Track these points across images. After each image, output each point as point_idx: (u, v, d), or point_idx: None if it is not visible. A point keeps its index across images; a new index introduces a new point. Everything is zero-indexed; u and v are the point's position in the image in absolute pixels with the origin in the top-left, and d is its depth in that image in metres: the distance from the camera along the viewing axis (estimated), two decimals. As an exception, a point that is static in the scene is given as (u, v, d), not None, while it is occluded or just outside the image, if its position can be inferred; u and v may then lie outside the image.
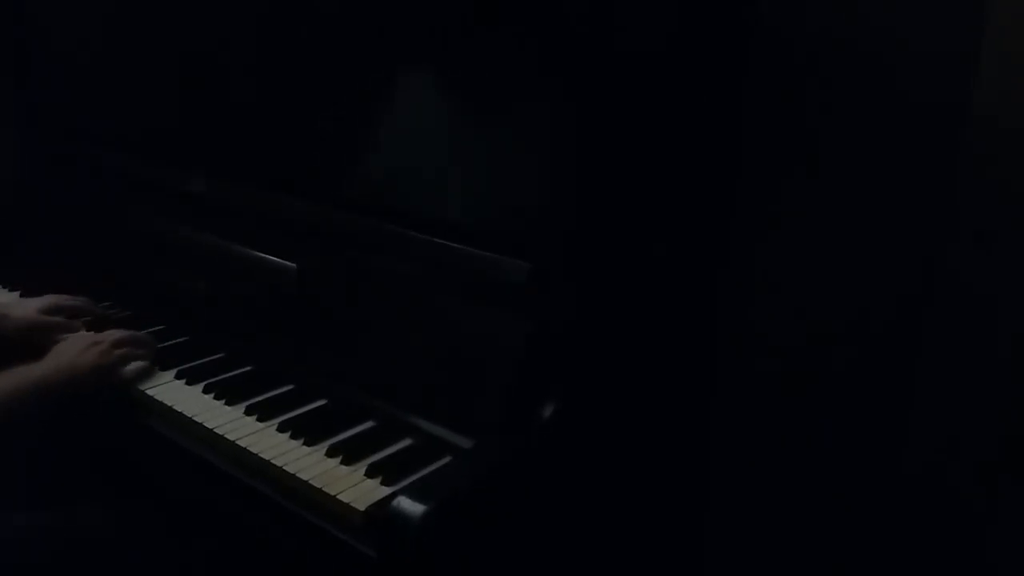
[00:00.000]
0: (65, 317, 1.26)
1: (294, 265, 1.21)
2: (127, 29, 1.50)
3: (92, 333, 1.17)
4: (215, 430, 1.05)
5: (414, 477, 0.96)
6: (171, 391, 1.13)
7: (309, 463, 0.99)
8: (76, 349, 1.12)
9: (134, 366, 1.15)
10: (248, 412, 1.08)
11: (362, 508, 0.91)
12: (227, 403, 1.10)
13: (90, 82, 1.60)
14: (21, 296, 1.41)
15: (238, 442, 1.02)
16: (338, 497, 0.93)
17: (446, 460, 1.00)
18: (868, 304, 1.25)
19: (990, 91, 1.09)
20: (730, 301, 1.34)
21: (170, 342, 1.25)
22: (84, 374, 1.10)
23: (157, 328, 1.29)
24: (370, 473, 0.96)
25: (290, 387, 1.14)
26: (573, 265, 1.05)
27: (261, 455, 1.00)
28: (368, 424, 1.07)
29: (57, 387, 1.09)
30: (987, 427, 1.17)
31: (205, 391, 1.12)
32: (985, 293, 1.15)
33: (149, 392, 1.13)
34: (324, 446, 1.01)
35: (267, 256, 1.24)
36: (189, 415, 1.08)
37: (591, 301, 1.07)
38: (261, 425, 1.06)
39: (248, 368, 1.19)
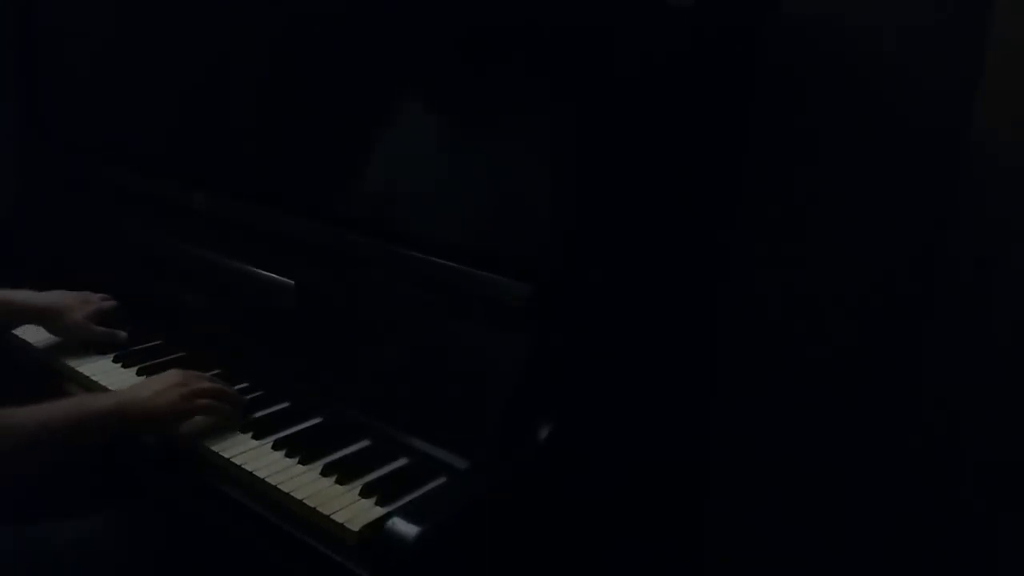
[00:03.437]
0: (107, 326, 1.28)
1: (293, 282, 1.21)
2: (131, 44, 1.50)
3: (181, 371, 1.11)
4: (210, 447, 1.04)
5: (409, 497, 0.95)
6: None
7: (304, 482, 0.98)
8: (158, 387, 1.07)
9: (206, 420, 1.08)
10: (244, 429, 1.08)
11: (356, 528, 0.90)
12: (223, 420, 1.10)
13: (93, 96, 1.60)
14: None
15: (233, 460, 1.02)
16: (332, 517, 0.92)
17: (441, 481, 0.99)
18: (869, 309, 1.25)
19: (993, 99, 1.10)
20: (730, 315, 1.34)
21: (167, 357, 1.25)
22: (159, 414, 1.04)
23: (154, 343, 1.29)
24: (365, 493, 0.96)
25: (286, 404, 1.14)
26: (573, 287, 1.04)
27: (255, 473, 1.00)
28: (364, 443, 1.07)
29: (129, 420, 1.03)
30: (988, 428, 1.17)
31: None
32: (985, 294, 1.15)
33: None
34: (319, 465, 1.01)
35: (266, 273, 1.24)
36: (184, 431, 1.07)
37: (591, 323, 1.07)
38: (256, 443, 1.05)
39: (244, 385, 1.18)
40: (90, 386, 1.20)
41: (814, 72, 1.23)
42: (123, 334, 1.29)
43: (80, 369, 1.22)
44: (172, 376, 1.09)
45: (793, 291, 1.31)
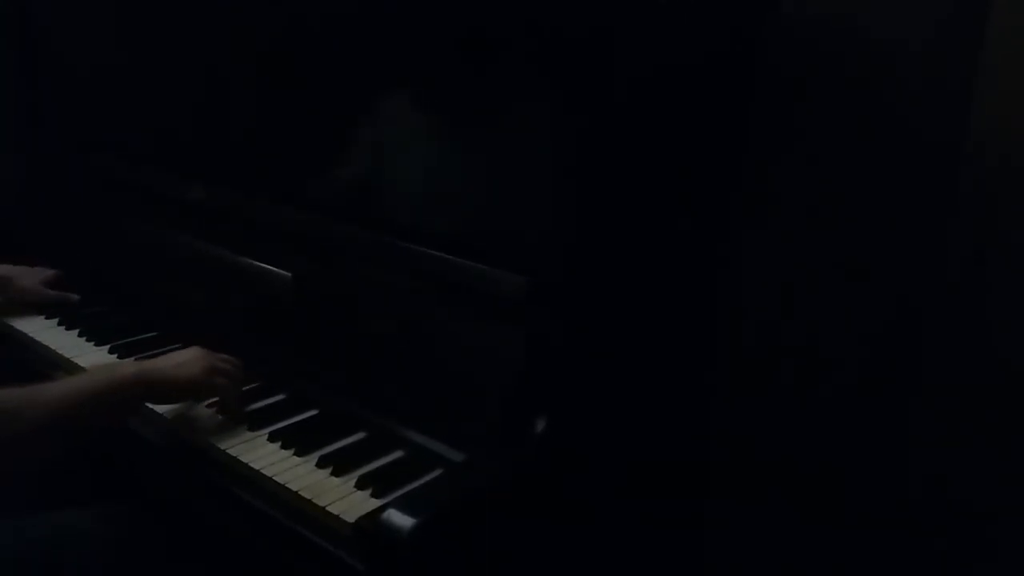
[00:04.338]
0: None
1: (289, 274, 1.20)
2: (131, 38, 1.51)
3: (202, 348, 1.10)
4: (206, 439, 1.04)
5: (405, 490, 0.95)
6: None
7: (299, 473, 0.98)
8: (180, 359, 1.07)
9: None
10: (239, 421, 1.07)
11: (351, 520, 0.90)
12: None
13: (92, 89, 1.61)
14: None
15: (228, 451, 1.02)
16: (327, 508, 0.92)
17: (437, 473, 0.99)
18: (869, 309, 1.24)
19: (992, 99, 1.10)
20: (728, 309, 1.34)
21: (163, 348, 1.24)
22: (180, 384, 1.04)
23: (150, 334, 1.29)
24: (360, 485, 0.95)
25: (282, 396, 1.14)
26: (570, 278, 1.04)
27: (251, 464, 0.99)
28: (359, 435, 1.06)
29: (151, 389, 1.04)
30: (988, 428, 1.17)
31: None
32: (985, 294, 1.15)
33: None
34: (314, 457, 1.00)
35: (263, 264, 1.24)
36: (179, 422, 1.07)
37: (588, 314, 1.07)
38: (252, 434, 1.05)
39: (241, 376, 1.18)
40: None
41: (814, 72, 1.23)
42: (75, 296, 1.35)
43: (77, 360, 1.22)
44: (194, 351, 1.09)
45: (793, 291, 1.31)
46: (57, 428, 0.95)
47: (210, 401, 1.09)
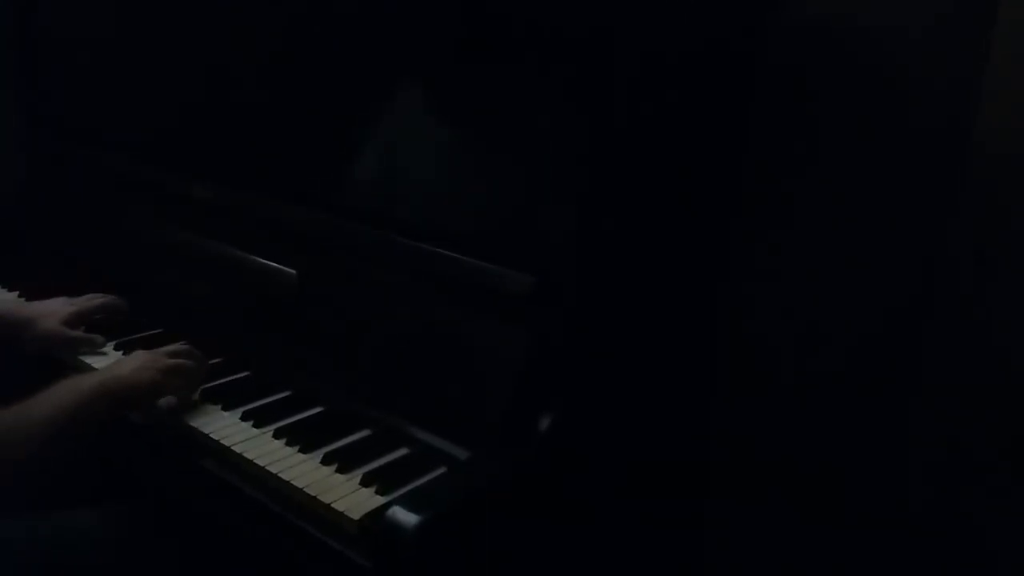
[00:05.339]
0: (87, 328, 1.26)
1: (294, 271, 1.21)
2: (132, 35, 1.51)
3: (149, 351, 1.11)
4: (210, 435, 1.04)
5: (409, 487, 0.95)
6: (167, 395, 1.12)
7: (304, 470, 0.98)
8: (136, 363, 1.08)
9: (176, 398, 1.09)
10: (244, 418, 1.07)
11: (356, 517, 0.90)
12: (223, 408, 1.10)
13: (94, 86, 1.61)
14: (20, 296, 1.41)
15: (233, 448, 1.02)
16: (332, 505, 0.92)
17: (442, 471, 0.99)
18: (869, 309, 1.25)
19: (995, 99, 1.10)
20: (730, 310, 1.35)
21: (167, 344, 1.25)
22: (142, 387, 1.05)
23: (155, 331, 1.29)
24: (365, 482, 0.96)
25: (287, 394, 1.14)
26: (575, 277, 1.04)
27: (256, 461, 0.99)
28: (364, 433, 1.06)
29: (115, 397, 1.03)
30: (987, 427, 1.17)
31: (201, 396, 1.12)
32: (985, 294, 1.15)
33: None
34: (319, 454, 1.00)
35: (268, 262, 1.24)
36: (184, 419, 1.07)
37: (592, 313, 1.07)
38: (257, 431, 1.05)
39: (245, 374, 1.18)
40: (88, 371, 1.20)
41: (814, 72, 1.24)
42: (100, 339, 1.25)
43: (82, 357, 1.22)
44: (143, 354, 1.10)
45: (793, 291, 1.31)
46: (32, 456, 0.97)
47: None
